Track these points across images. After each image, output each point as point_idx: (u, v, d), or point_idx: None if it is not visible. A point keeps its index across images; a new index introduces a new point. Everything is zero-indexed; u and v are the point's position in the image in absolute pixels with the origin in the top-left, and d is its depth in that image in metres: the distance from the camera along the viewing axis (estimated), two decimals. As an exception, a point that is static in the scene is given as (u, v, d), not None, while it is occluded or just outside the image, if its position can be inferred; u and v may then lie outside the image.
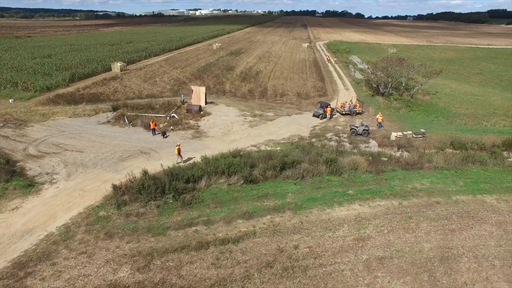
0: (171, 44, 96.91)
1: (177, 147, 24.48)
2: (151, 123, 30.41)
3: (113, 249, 15.78)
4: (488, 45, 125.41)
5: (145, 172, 20.92)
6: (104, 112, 36.72)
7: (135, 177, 21.01)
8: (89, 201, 19.45)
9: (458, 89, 53.66)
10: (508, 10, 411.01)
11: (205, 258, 15.48)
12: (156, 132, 30.35)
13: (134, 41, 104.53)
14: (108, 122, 33.94)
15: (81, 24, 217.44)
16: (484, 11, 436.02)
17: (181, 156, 24.74)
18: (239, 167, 21.84)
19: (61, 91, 44.51)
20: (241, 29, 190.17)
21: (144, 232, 17.26)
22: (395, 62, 47.59)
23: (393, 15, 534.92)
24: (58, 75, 50.46)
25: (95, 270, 14.38)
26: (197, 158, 24.93)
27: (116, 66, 59.90)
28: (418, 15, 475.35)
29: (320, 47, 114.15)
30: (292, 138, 30.17)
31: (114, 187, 19.94)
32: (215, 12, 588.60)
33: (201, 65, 67.46)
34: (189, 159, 25.26)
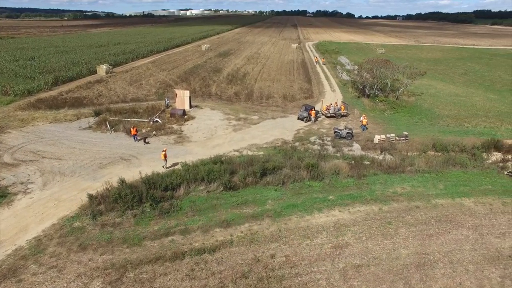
0: (159, 46, 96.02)
1: (163, 152, 24.49)
2: (132, 129, 29.90)
3: (86, 262, 15.39)
4: (473, 45, 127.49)
5: (122, 181, 20.54)
6: (86, 117, 36.05)
7: (112, 186, 20.62)
8: (64, 211, 18.98)
9: (443, 89, 54.28)
10: (492, 10, 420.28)
11: (180, 269, 15.21)
12: (138, 138, 29.87)
13: (122, 42, 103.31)
14: (90, 127, 33.32)
15: (69, 24, 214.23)
16: (470, 11, 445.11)
17: (167, 161, 24.68)
18: (219, 173, 21.60)
19: (43, 95, 43.62)
20: (231, 29, 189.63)
21: (119, 243, 16.90)
22: (380, 63, 47.86)
23: (383, 15, 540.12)
24: (41, 79, 49.40)
25: (65, 285, 13.98)
26: (179, 164, 24.69)
27: (102, 69, 59.06)
28: (407, 15, 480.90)
29: (309, 47, 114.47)
30: (275, 142, 30.03)
31: (90, 196, 19.50)
32: (206, 12, 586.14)
33: (189, 67, 66.93)
34: (175, 164, 25.09)
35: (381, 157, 27.72)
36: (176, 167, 24.33)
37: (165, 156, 24.39)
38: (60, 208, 19.22)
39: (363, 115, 35.42)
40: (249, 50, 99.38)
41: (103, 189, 20.30)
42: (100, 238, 17.04)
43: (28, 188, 21.17)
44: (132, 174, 23.12)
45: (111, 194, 19.62)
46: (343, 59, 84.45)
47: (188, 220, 18.78)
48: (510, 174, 24.65)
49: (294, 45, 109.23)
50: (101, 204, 19.34)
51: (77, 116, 36.06)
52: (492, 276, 15.19)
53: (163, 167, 24.33)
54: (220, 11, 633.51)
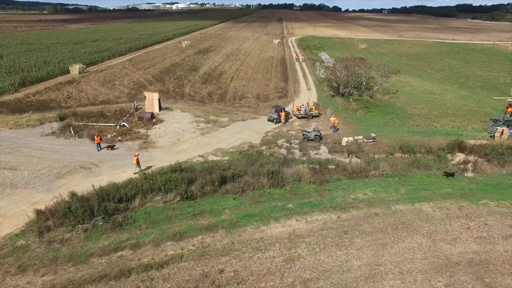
0: (139, 43, 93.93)
1: (135, 157, 24.16)
2: (96, 136, 28.71)
3: (23, 285, 14.71)
4: (453, 40, 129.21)
5: (72, 194, 19.78)
6: (50, 122, 34.74)
7: (63, 199, 19.85)
8: (8, 229, 18.14)
9: (418, 87, 54.67)
10: (473, 4, 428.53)
11: (124, 289, 14.72)
12: (102, 146, 28.76)
13: (101, 39, 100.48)
14: (53, 133, 32.13)
15: (47, 19, 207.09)
16: (453, 5, 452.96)
17: (140, 166, 24.39)
18: (176, 183, 21.05)
19: (6, 97, 41.92)
20: (215, 24, 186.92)
21: (65, 261, 16.26)
22: (354, 62, 47.73)
23: (369, 8, 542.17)
24: (6, 79, 47.45)
25: (-4, 312, 13.33)
26: (137, 174, 24.02)
27: (75, 69, 57.25)
28: (393, 8, 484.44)
29: (292, 43, 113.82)
30: (242, 146, 29.56)
31: (37, 212, 18.71)
32: (192, 5, 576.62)
33: (166, 65, 65.56)
34: (148, 167, 24.87)
35: (347, 160, 27.60)
36: (134, 175, 23.69)
37: (137, 160, 24.08)
38: (4, 225, 18.37)
39: (333, 115, 35.25)
40: (230, 46, 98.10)
41: (53, 203, 19.51)
42: (44, 257, 16.35)
43: (-28, 204, 20.18)
44: (90, 184, 22.27)
45: (60, 209, 18.88)
46: (323, 55, 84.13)
47: (140, 234, 18.25)
48: (445, 174, 24.93)
49: (276, 41, 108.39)
50: (50, 220, 18.60)
51: (40, 121, 34.73)
52: (437, 285, 15.23)
53: (135, 173, 24.01)
54: (207, 5, 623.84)
